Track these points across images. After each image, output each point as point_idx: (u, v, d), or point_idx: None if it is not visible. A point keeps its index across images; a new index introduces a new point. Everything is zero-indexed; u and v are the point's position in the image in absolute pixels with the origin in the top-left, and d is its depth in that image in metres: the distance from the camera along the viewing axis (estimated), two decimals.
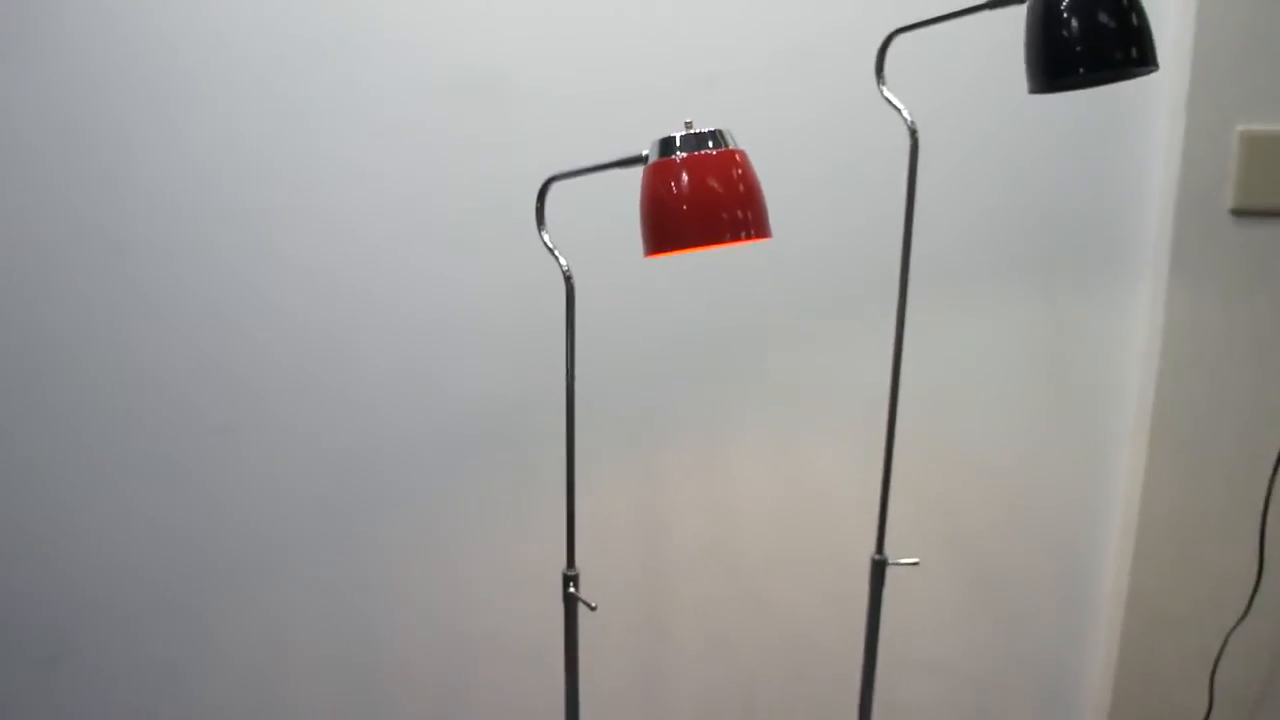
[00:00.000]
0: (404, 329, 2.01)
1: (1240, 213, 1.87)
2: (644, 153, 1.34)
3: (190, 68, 1.91)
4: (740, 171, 1.29)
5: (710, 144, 1.30)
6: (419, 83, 1.90)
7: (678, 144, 1.30)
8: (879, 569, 1.65)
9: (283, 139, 1.93)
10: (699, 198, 1.27)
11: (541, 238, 1.51)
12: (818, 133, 1.90)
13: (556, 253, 1.48)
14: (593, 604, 1.56)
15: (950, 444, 2.02)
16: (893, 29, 1.50)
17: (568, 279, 1.49)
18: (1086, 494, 2.05)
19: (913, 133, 1.48)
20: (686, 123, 1.32)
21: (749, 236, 1.28)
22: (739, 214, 1.28)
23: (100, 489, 2.11)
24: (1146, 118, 1.88)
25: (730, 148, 1.31)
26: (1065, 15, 1.26)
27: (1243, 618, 2.01)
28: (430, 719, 2.21)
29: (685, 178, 1.28)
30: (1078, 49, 1.26)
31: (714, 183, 1.28)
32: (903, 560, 1.70)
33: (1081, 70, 1.26)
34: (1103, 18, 1.25)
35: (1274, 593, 1.99)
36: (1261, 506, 1.95)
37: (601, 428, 2.02)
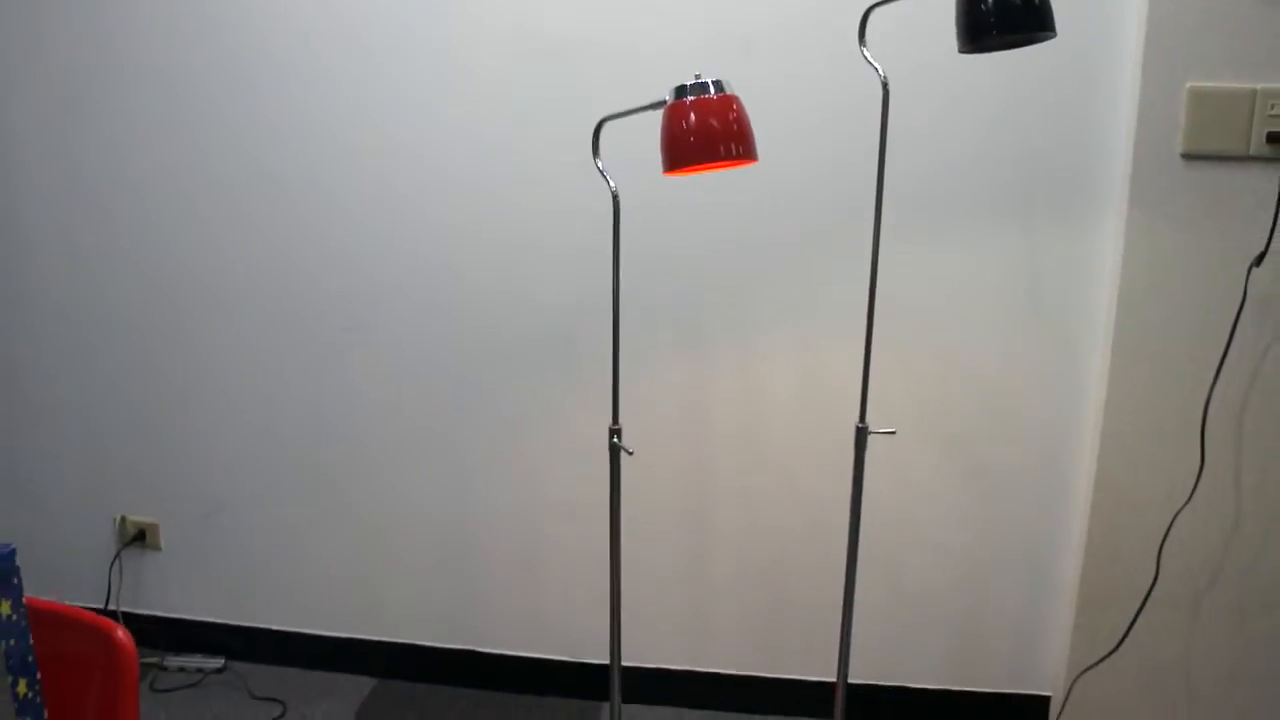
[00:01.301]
0: (489, 251, 2.48)
1: (1189, 156, 2.21)
2: (665, 98, 1.78)
3: (326, 53, 2.41)
4: (734, 111, 1.73)
5: (712, 90, 1.73)
6: (503, 47, 2.37)
7: (688, 90, 1.74)
8: (861, 435, 2.06)
9: (399, 104, 2.42)
10: (701, 129, 1.72)
11: (596, 164, 1.96)
12: (835, 85, 2.32)
13: (607, 175, 1.93)
14: (630, 450, 2.01)
15: (942, 355, 2.41)
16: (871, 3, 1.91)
17: (615, 197, 1.93)
18: (1062, 399, 2.41)
19: (884, 85, 1.88)
20: (696, 75, 1.77)
21: (739, 158, 1.72)
22: (732, 143, 1.72)
23: (254, 373, 2.64)
24: (1109, 74, 2.24)
25: (727, 93, 1.74)
26: None
27: (1186, 503, 2.37)
28: (512, 567, 2.69)
29: (692, 115, 1.72)
30: (991, 19, 1.67)
31: (713, 119, 1.72)
32: (881, 430, 2.11)
33: (994, 34, 1.67)
34: None
35: (1212, 482, 2.35)
36: (1203, 409, 2.31)
37: (649, 329, 2.47)
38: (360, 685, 2.81)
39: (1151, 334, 2.29)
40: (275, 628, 2.85)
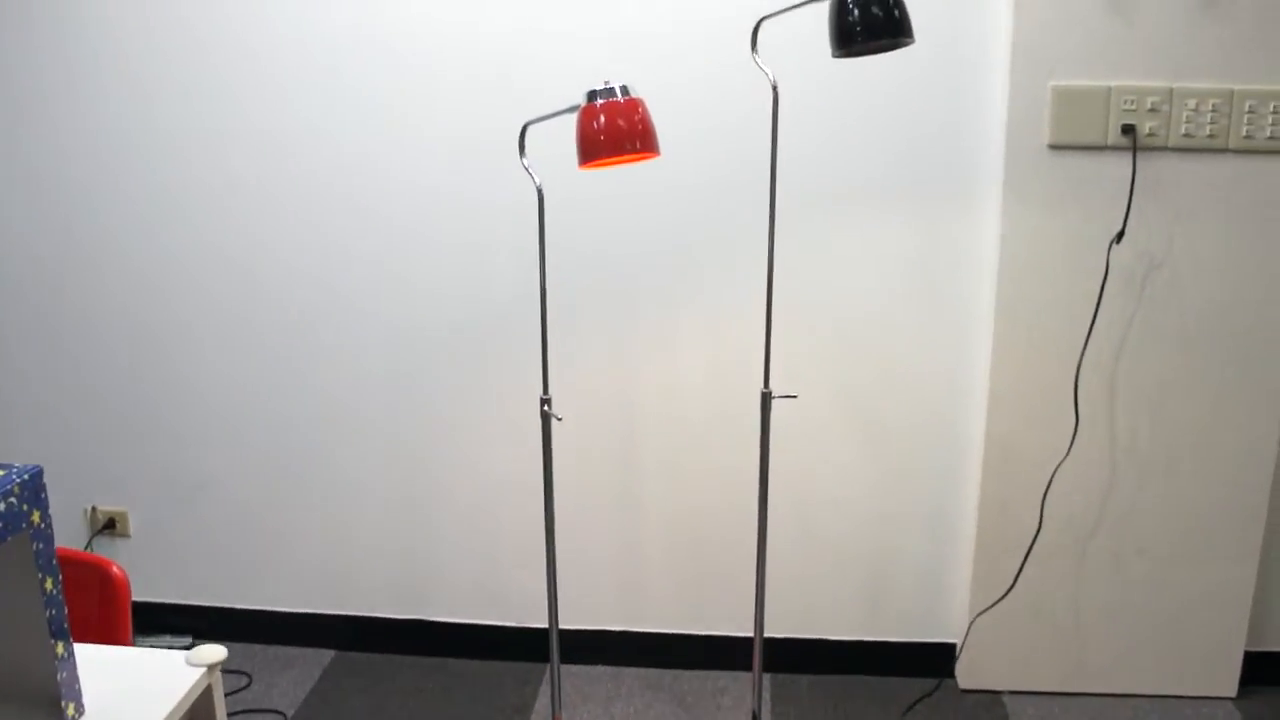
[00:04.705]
0: (435, 250, 2.71)
1: (1055, 147, 2.48)
2: (578, 102, 2.03)
3: (280, 55, 2.64)
4: (639, 111, 1.98)
5: (619, 94, 1.99)
6: (443, 53, 2.60)
7: (598, 94, 1.99)
8: (765, 400, 2.31)
9: (350, 114, 2.65)
10: (610, 126, 1.96)
11: (522, 163, 2.20)
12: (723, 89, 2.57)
13: (531, 171, 2.16)
14: (559, 416, 2.24)
15: (842, 328, 2.66)
16: (763, 15, 2.16)
17: (540, 192, 2.17)
18: (952, 365, 2.67)
19: (774, 88, 2.13)
20: (605, 80, 2.02)
21: (642, 151, 1.97)
22: (636, 139, 1.97)
23: (216, 367, 2.85)
24: (982, 74, 2.50)
25: (633, 97, 2.00)
26: (850, 4, 1.93)
27: (1065, 457, 2.63)
28: (460, 541, 2.91)
29: (601, 116, 1.97)
30: (857, 27, 1.93)
31: (620, 119, 1.97)
32: (785, 395, 2.36)
33: (860, 40, 1.93)
34: (874, 9, 1.91)
35: (1089, 439, 2.61)
36: (1075, 371, 2.57)
37: (574, 317, 2.70)
38: (321, 657, 3.01)
39: (1029, 305, 2.55)
40: (240, 606, 3.06)
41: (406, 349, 2.78)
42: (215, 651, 1.38)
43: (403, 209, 2.70)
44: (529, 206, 2.63)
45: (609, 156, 1.97)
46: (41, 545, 1.17)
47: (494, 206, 2.66)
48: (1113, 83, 2.41)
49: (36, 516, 1.16)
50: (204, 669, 1.37)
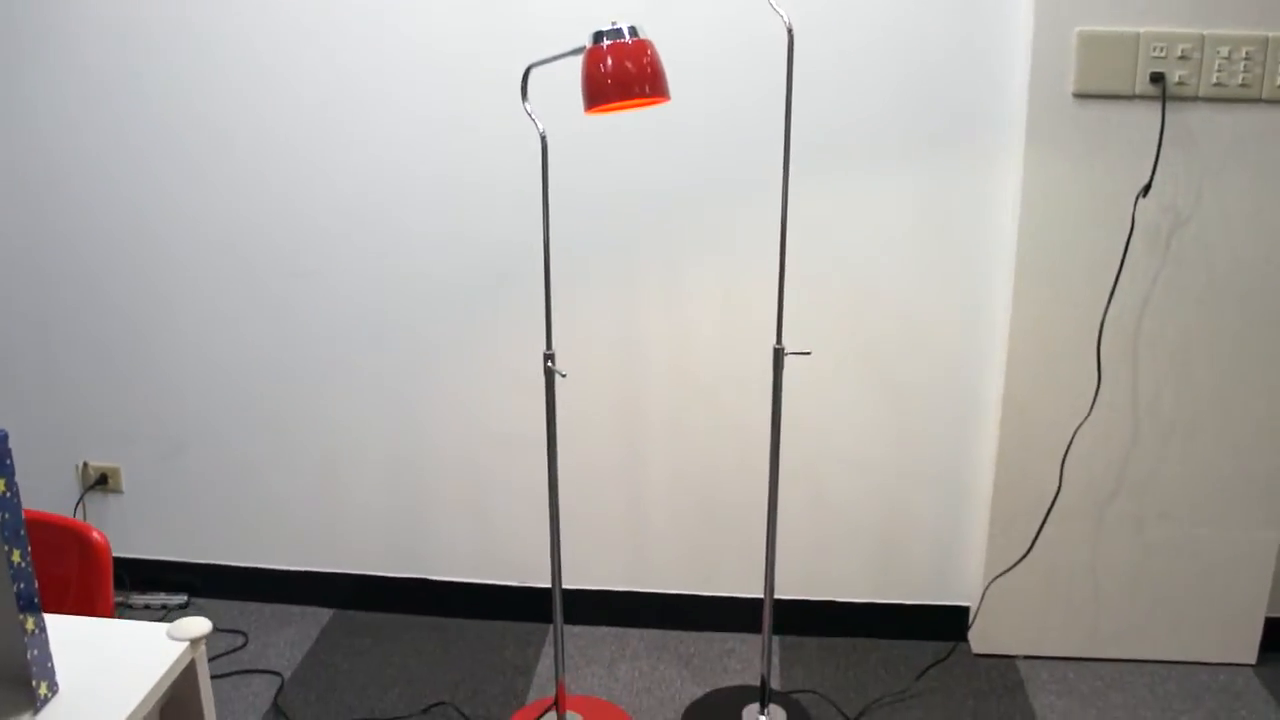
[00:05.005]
0: (425, 194, 2.62)
1: (1080, 95, 2.38)
2: (584, 44, 1.93)
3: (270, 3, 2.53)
4: (648, 54, 1.88)
5: (626, 35, 1.88)
6: (440, 26, 2.50)
7: (605, 35, 1.89)
8: (778, 356, 2.23)
9: (339, 52, 2.54)
10: (617, 70, 1.86)
11: (525, 108, 2.10)
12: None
13: (535, 118, 2.07)
14: (563, 372, 2.16)
15: (857, 282, 2.57)
16: None
17: (543, 138, 2.08)
18: (970, 322, 2.58)
19: (789, 31, 2.03)
20: (612, 21, 1.91)
21: (651, 96, 1.87)
22: (645, 83, 1.87)
23: (210, 319, 2.76)
24: (1005, 19, 2.39)
25: (641, 38, 1.89)
26: None
27: (1086, 419, 2.55)
28: (461, 498, 2.84)
29: (609, 58, 1.87)
30: None
31: (628, 62, 1.86)
32: (798, 351, 2.27)
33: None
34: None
35: (1110, 399, 2.53)
36: (1098, 330, 2.49)
37: (580, 267, 2.61)
38: (319, 616, 2.95)
39: (1050, 260, 2.46)
40: (236, 564, 2.99)
41: (405, 299, 2.70)
42: (199, 624, 1.31)
43: (400, 148, 2.60)
44: (533, 150, 2.53)
45: (616, 101, 1.88)
46: (8, 515, 1.09)
47: (496, 149, 2.56)
48: (1141, 29, 2.31)
49: (1, 485, 1.07)
50: (187, 643, 1.29)
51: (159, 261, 2.76)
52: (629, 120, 2.49)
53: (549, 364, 2.18)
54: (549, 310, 2.12)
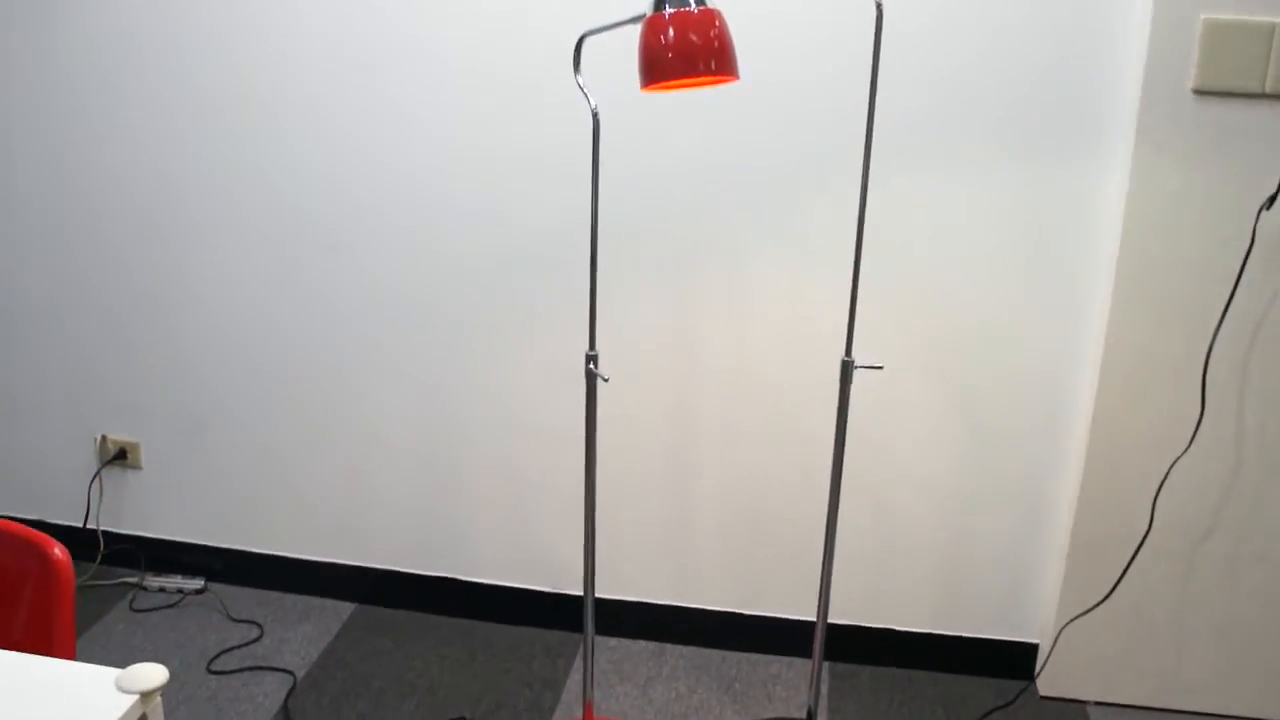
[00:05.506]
0: (471, 170, 2.41)
1: (1201, 92, 2.12)
2: (644, 11, 1.70)
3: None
4: (715, 26, 1.65)
5: (692, 4, 1.65)
6: None
7: (666, 3, 1.66)
8: (847, 369, 2.00)
9: (384, 19, 2.34)
10: (680, 43, 1.64)
11: (577, 81, 1.88)
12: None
13: (587, 92, 1.85)
14: (606, 376, 1.95)
15: (936, 290, 2.33)
16: None
17: (595, 115, 1.86)
18: (1059, 339, 2.34)
19: (878, 7, 1.79)
20: None
21: (719, 74, 1.64)
22: (711, 58, 1.64)
23: (236, 293, 2.58)
24: (1118, 5, 2.13)
25: (708, 7, 1.66)
26: None
27: (1185, 451, 2.30)
28: (494, 496, 2.65)
29: (670, 29, 1.64)
30: None
31: (692, 33, 1.64)
32: (869, 364, 2.04)
33: None
34: None
35: (1212, 431, 2.28)
36: (1205, 355, 2.23)
37: (631, 254, 2.40)
38: (340, 610, 2.79)
39: (1155, 275, 2.21)
40: (255, 550, 2.83)
41: (440, 279, 2.50)
42: (153, 674, 1.11)
43: (443, 121, 2.39)
44: (584, 124, 2.31)
45: (678, 77, 1.65)
46: None
47: (544, 124, 2.35)
48: (1277, 18, 2.03)
49: None
50: (137, 697, 1.09)
51: (184, 230, 2.58)
52: (691, 99, 2.26)
53: (591, 366, 1.97)
54: (594, 300, 1.92)
